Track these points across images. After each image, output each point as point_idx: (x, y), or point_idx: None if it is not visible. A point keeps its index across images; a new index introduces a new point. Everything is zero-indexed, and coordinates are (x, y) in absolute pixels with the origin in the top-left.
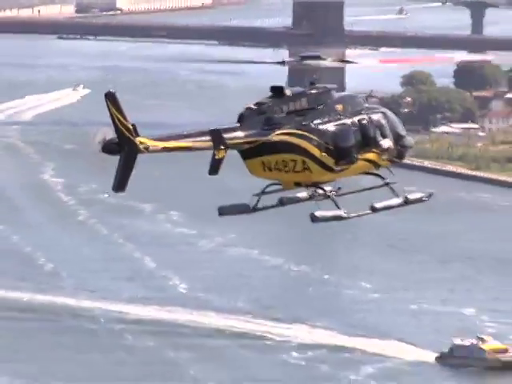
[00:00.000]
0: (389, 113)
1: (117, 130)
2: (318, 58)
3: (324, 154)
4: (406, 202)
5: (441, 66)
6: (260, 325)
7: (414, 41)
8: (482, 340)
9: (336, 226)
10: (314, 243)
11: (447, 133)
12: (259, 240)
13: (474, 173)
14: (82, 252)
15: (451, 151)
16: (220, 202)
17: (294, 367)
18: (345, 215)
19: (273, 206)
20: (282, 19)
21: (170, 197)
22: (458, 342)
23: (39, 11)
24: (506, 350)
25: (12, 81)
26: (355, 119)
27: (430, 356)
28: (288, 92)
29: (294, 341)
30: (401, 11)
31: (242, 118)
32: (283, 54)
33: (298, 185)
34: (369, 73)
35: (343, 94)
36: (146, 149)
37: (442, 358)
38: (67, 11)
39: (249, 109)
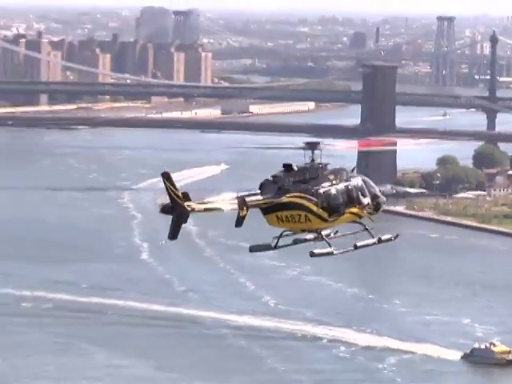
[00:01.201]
0: (367, 179)
1: (170, 197)
2: (317, 143)
3: (320, 209)
4: (379, 241)
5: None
6: (322, 329)
7: (447, 133)
8: (493, 345)
9: (380, 262)
10: (365, 274)
11: (465, 198)
12: (326, 271)
13: (481, 225)
14: (204, 278)
15: (466, 210)
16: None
17: (341, 359)
18: (334, 252)
19: (288, 245)
20: (354, 119)
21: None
22: (476, 345)
23: (196, 113)
24: (509, 352)
25: (173, 160)
26: (343, 185)
27: (455, 355)
28: (295, 167)
29: (344, 340)
30: (445, 114)
31: (262, 186)
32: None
33: (303, 231)
34: (415, 155)
35: (334, 167)
36: (193, 210)
37: (465, 357)
38: (215, 113)
39: (267, 180)
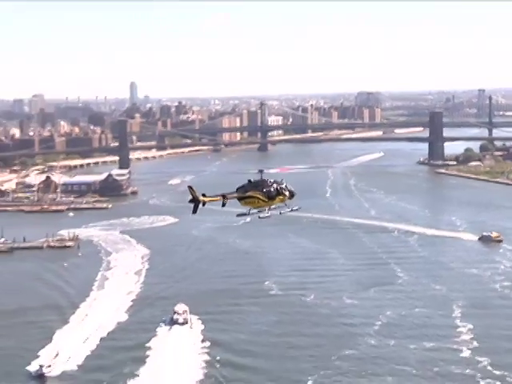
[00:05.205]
0: (288, 184)
1: (192, 195)
2: (262, 170)
3: (265, 197)
4: (292, 210)
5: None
6: (393, 225)
7: (471, 138)
8: (492, 233)
9: (433, 195)
10: (423, 200)
11: (472, 165)
12: (404, 199)
13: (477, 177)
14: (348, 203)
15: (471, 170)
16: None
17: (397, 239)
18: (269, 215)
19: (256, 213)
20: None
21: (383, 187)
22: (484, 233)
23: (371, 134)
24: (499, 236)
25: (359, 153)
26: (275, 186)
27: (475, 237)
28: (252, 180)
29: (402, 229)
30: (480, 128)
31: (237, 189)
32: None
33: (258, 207)
34: (455, 148)
35: (271, 179)
36: (203, 200)
37: (479, 239)
38: (380, 133)
39: (238, 187)
